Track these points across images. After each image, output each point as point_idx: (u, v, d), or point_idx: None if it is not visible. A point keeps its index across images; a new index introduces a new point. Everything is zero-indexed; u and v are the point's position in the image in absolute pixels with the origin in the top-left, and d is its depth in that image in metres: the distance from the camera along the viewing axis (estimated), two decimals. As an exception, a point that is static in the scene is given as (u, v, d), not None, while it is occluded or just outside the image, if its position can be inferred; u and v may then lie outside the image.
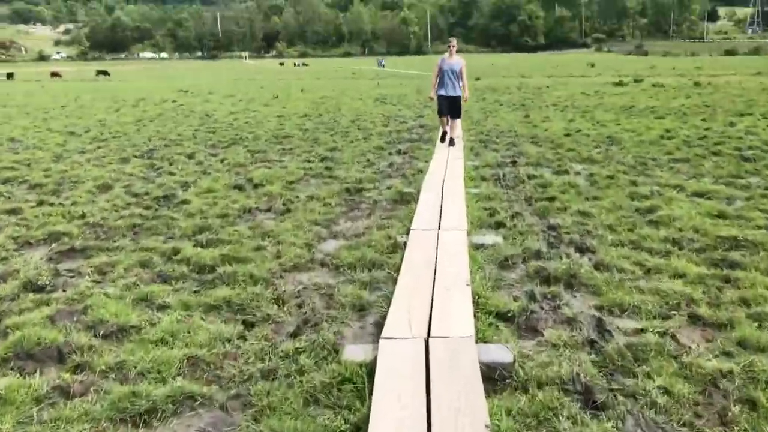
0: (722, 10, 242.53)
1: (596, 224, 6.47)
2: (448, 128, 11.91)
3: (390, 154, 12.05)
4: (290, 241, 6.19)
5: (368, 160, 11.25)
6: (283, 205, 7.82)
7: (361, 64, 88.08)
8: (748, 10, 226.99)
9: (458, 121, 12.05)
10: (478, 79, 40.48)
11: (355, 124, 17.60)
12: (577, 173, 9.58)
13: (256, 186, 9.02)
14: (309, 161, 11.19)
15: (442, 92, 11.60)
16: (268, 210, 7.65)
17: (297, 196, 8.30)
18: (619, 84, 31.04)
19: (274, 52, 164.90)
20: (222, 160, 11.42)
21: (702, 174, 9.14)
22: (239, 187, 8.94)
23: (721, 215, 6.64)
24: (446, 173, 9.03)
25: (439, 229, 6.06)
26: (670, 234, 5.97)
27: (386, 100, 25.72)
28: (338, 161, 11.09)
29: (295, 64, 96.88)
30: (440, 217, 6.50)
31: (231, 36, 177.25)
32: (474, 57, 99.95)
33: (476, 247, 5.79)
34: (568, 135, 13.72)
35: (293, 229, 6.61)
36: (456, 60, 11.57)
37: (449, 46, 11.77)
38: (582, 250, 5.69)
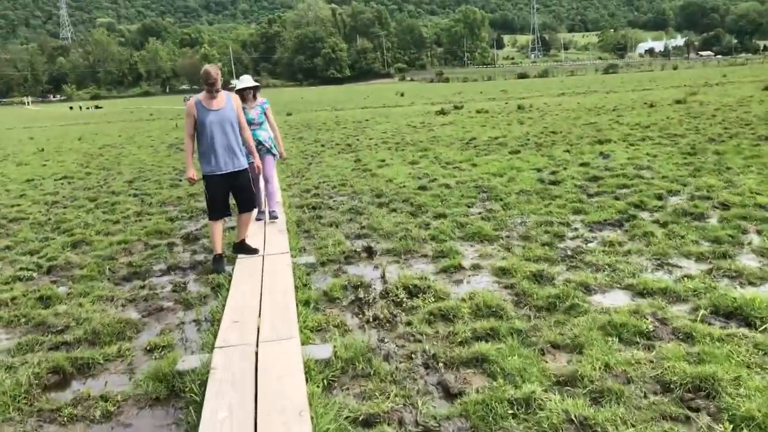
0: (506, 38, 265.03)
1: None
2: (220, 244, 6.46)
3: (171, 246, 7.62)
4: None
5: (123, 278, 6.60)
6: None
7: (162, 104, 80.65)
8: (528, 37, 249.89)
9: (250, 216, 6.72)
10: (289, 114, 36.76)
11: (133, 186, 12.84)
12: (477, 267, 5.90)
13: None
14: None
15: (212, 168, 6.11)
16: None
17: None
18: (442, 113, 28.87)
19: (60, 96, 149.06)
20: None
21: (665, 254, 5.86)
22: None
23: None
24: (262, 300, 4.87)
25: None
26: None
27: (183, 146, 20.93)
28: (68, 277, 6.47)
29: (81, 107, 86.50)
30: None
31: (9, 80, 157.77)
32: (283, 92, 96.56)
33: None
34: (423, 188, 10.17)
35: None
36: (230, 103, 6.17)
37: (211, 86, 5.96)
38: None
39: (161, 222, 8.89)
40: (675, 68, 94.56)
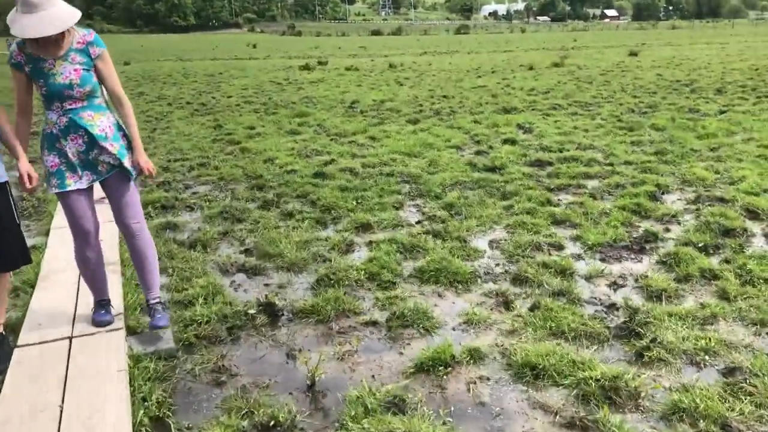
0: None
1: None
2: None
3: None
4: None
5: None
6: None
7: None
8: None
9: (5, 281, 3.55)
10: (127, 63, 31.66)
11: None
12: (479, 358, 3.33)
13: None
14: None
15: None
16: None
17: None
18: (307, 68, 25.76)
19: None
20: None
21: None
22: None
23: None
24: None
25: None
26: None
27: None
28: None
29: None
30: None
31: None
32: (120, 38, 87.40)
33: None
34: (321, 176, 7.38)
35: None
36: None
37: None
38: None
39: None
40: (523, 31, 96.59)
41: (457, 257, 4.60)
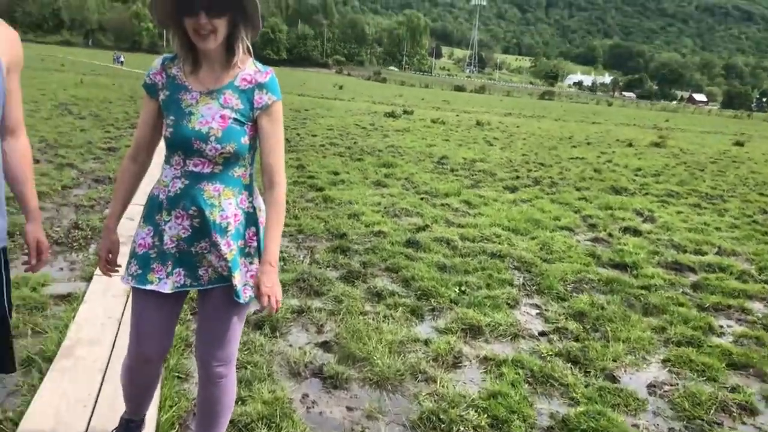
0: (444, 49, 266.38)
1: None
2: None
3: None
4: None
5: None
6: None
7: (83, 56, 72.23)
8: (465, 52, 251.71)
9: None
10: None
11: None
12: None
13: None
14: None
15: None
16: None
17: None
18: (392, 116, 25.03)
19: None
20: None
21: None
22: None
23: None
24: None
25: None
26: None
27: (73, 111, 15.85)
28: None
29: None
30: None
31: None
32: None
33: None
34: (413, 244, 6.22)
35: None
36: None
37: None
38: None
39: None
40: (610, 104, 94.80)
41: (613, 408, 3.31)
